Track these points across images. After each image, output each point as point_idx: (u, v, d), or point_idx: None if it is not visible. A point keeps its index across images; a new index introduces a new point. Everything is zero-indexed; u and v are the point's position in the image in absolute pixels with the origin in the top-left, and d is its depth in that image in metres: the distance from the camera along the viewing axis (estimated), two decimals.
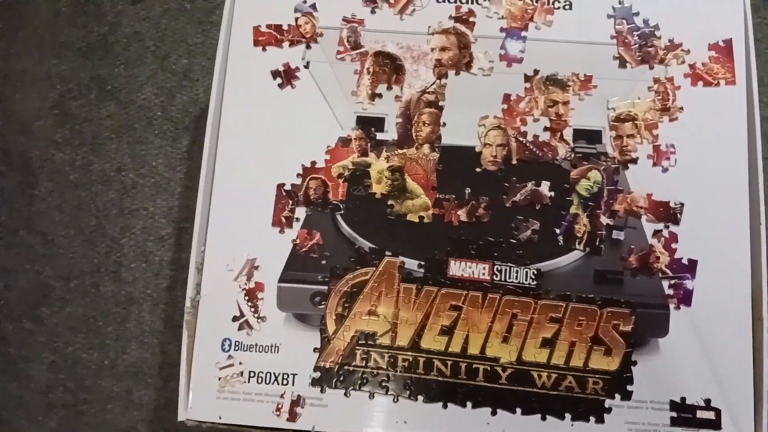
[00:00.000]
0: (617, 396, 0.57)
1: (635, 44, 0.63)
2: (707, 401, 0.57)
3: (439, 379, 0.58)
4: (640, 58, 0.63)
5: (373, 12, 0.65)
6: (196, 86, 0.86)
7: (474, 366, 0.58)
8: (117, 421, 0.79)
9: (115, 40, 0.88)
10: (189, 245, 0.70)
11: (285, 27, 0.64)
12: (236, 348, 0.60)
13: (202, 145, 0.72)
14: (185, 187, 0.83)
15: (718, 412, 0.57)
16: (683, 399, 0.57)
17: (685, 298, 0.58)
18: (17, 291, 0.82)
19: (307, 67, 0.64)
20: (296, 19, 0.65)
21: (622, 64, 0.63)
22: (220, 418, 0.58)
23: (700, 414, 0.57)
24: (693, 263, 0.59)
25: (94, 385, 0.79)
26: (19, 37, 0.89)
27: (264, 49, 0.64)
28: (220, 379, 0.59)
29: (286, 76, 0.64)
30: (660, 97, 0.62)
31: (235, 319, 0.60)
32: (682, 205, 0.60)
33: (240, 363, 0.59)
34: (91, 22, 0.89)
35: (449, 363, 0.58)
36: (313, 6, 0.65)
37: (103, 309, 0.80)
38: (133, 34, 0.88)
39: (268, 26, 0.64)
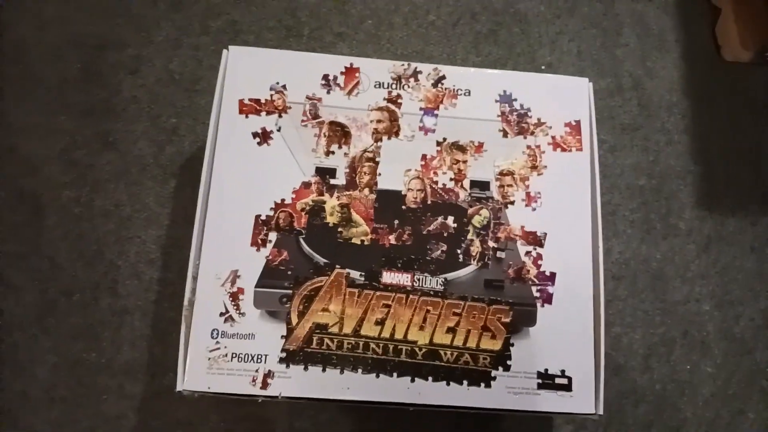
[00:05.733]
0: (500, 368, 0.65)
1: (514, 121, 0.72)
2: (562, 371, 0.65)
3: (373, 356, 0.64)
4: (517, 131, 0.72)
5: (328, 93, 0.72)
6: (182, 140, 0.88)
7: (399, 347, 0.65)
8: (111, 410, 0.79)
9: (116, 102, 0.89)
10: (174, 267, 0.77)
11: (263, 101, 0.71)
12: (222, 336, 0.64)
13: (187, 186, 0.80)
14: (171, 221, 0.85)
15: (569, 378, 0.65)
16: (546, 370, 0.65)
17: (548, 299, 0.67)
18: (26, 306, 0.81)
19: (279, 130, 0.70)
20: (271, 95, 0.71)
21: (505, 135, 0.72)
22: (209, 387, 0.63)
23: (557, 380, 0.64)
24: (553, 275, 0.68)
25: (92, 381, 0.79)
26: (33, 97, 0.88)
27: (246, 117, 0.70)
28: (209, 359, 0.63)
29: (263, 136, 0.70)
30: (531, 158, 0.71)
31: (221, 314, 0.65)
32: (546, 234, 0.69)
33: (225, 347, 0.64)
34: (95, 88, 0.90)
35: (381, 345, 0.65)
36: (284, 86, 0.72)
37: (101, 318, 0.81)
38: (131, 97, 0.90)
39: (250, 99, 0.71)
